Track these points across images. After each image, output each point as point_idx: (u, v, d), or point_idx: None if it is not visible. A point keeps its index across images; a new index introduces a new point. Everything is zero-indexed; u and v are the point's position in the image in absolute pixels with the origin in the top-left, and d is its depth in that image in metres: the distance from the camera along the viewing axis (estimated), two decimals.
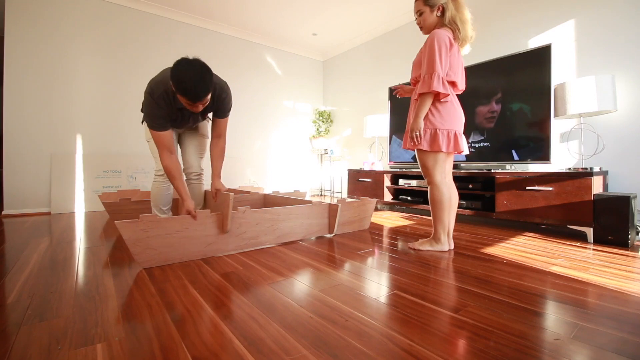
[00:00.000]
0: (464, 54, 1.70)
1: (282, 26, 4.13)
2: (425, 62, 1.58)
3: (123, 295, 1.13)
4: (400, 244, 1.88)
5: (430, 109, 1.61)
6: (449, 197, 1.68)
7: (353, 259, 1.58)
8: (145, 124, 1.68)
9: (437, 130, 1.60)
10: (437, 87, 1.53)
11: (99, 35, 3.34)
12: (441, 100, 1.60)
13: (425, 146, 1.61)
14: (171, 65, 1.46)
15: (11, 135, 2.93)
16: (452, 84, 1.64)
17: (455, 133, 1.63)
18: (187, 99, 1.44)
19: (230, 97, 1.77)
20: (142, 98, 3.51)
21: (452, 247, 1.75)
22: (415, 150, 1.69)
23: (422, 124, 1.60)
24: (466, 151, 1.69)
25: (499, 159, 2.55)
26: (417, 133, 1.60)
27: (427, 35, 1.64)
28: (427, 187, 2.86)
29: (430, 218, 2.88)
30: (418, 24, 1.70)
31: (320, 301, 1.08)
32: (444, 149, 1.59)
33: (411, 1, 3.46)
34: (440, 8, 1.61)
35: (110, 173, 3.36)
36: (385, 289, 1.19)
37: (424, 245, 1.75)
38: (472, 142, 2.73)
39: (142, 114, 1.65)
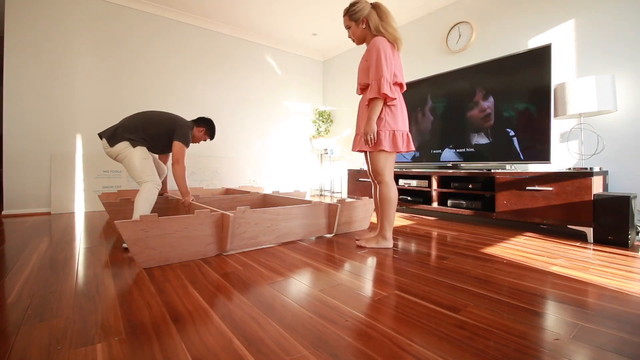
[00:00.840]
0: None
1: (282, 26, 4.13)
2: (372, 69, 1.65)
3: (123, 296, 1.13)
4: (400, 244, 1.88)
5: (384, 112, 1.68)
6: (397, 195, 1.75)
7: (353, 259, 1.58)
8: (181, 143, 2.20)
9: (396, 132, 1.69)
10: (386, 90, 1.60)
11: (99, 35, 3.34)
12: (388, 104, 1.67)
13: (387, 147, 1.67)
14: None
15: (11, 135, 2.93)
16: (400, 85, 1.73)
17: (406, 134, 1.73)
18: (211, 139, 2.52)
19: None
20: (141, 98, 3.53)
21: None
22: (368, 151, 1.77)
23: (375, 127, 1.66)
24: (413, 148, 1.78)
25: (499, 159, 2.55)
26: (372, 136, 1.66)
27: (371, 42, 1.70)
28: (427, 188, 2.87)
29: (430, 218, 2.89)
30: (349, 37, 1.81)
31: (320, 301, 1.08)
32: (401, 148, 1.69)
33: (411, 1, 3.46)
34: (364, 20, 1.71)
35: (110, 173, 3.36)
36: (386, 289, 1.19)
37: (370, 243, 1.80)
38: (473, 142, 2.73)
39: (130, 140, 2.02)
